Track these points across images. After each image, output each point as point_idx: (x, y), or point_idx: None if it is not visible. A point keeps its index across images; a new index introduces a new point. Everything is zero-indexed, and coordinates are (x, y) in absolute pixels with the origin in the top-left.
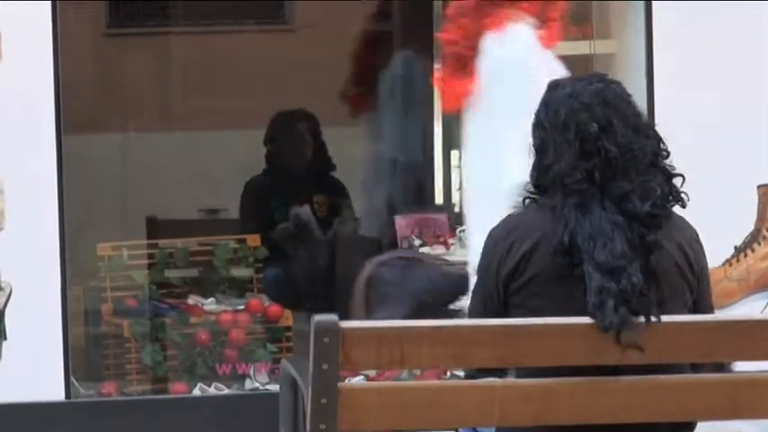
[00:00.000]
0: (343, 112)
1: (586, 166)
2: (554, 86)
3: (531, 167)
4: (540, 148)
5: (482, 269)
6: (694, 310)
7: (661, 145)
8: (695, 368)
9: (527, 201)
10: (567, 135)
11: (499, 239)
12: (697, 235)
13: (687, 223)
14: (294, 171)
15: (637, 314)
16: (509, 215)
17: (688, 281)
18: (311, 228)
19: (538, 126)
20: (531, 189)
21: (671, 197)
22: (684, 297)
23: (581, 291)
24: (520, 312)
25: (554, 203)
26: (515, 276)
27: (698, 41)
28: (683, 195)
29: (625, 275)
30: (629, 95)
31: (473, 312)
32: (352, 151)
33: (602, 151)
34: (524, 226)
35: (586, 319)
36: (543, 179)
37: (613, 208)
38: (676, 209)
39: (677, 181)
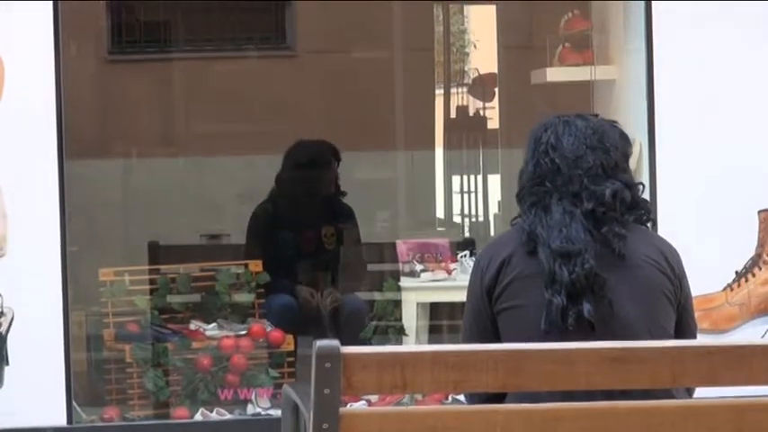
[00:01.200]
0: (344, 136)
1: (539, 174)
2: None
3: None
4: (519, 176)
5: (470, 285)
6: (679, 318)
7: (617, 160)
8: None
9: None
10: (528, 156)
11: (482, 257)
12: (677, 252)
13: (666, 241)
14: (307, 200)
15: (588, 299)
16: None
17: (667, 275)
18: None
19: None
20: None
21: (633, 205)
22: (663, 288)
23: None
24: (507, 316)
25: (523, 207)
26: (498, 281)
27: (699, 67)
28: (647, 206)
29: (579, 260)
30: (601, 124)
31: (465, 329)
32: (355, 175)
33: (549, 163)
34: (502, 241)
35: (589, 344)
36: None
37: (569, 203)
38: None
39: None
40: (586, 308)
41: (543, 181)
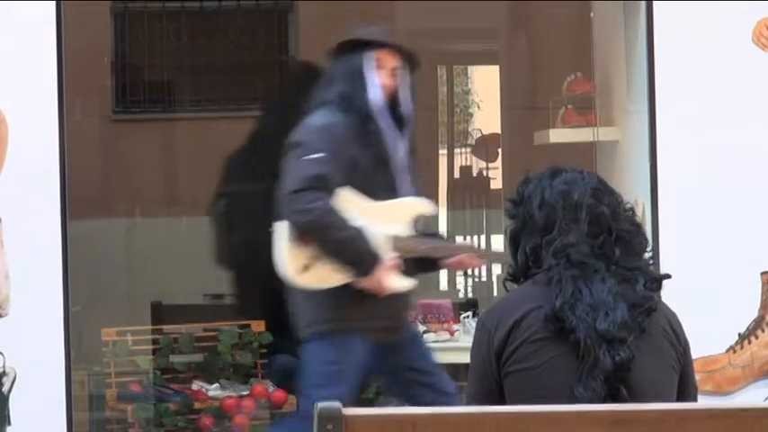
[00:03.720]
0: None
1: (593, 243)
2: (556, 172)
3: (522, 248)
4: (544, 226)
5: (475, 349)
6: (680, 382)
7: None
8: None
9: (508, 283)
10: (578, 214)
11: (487, 319)
12: (678, 318)
13: (668, 306)
14: None
15: (620, 383)
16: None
17: (674, 345)
18: None
19: (543, 206)
20: (515, 273)
21: None
22: (670, 359)
23: (574, 351)
24: (515, 378)
25: (551, 276)
26: (508, 343)
27: (701, 128)
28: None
29: (624, 347)
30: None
31: (471, 394)
32: None
33: (613, 232)
34: (510, 303)
35: (594, 406)
36: (538, 255)
37: (614, 281)
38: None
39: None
40: (623, 392)
41: (598, 249)
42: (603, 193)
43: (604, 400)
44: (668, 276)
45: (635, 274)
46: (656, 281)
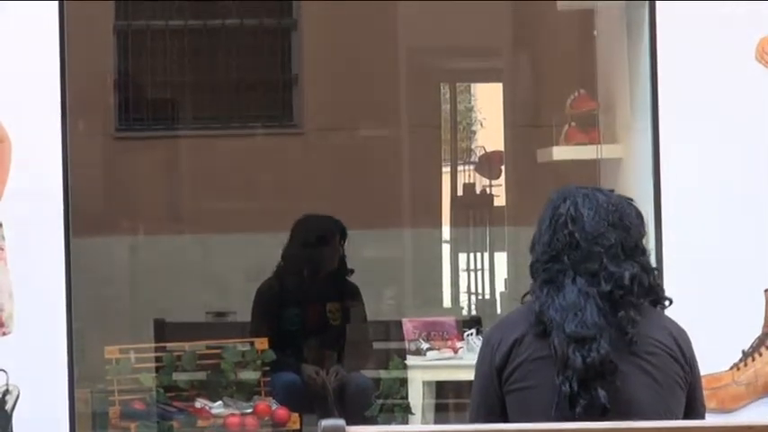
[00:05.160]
0: (351, 214)
1: (555, 248)
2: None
3: None
4: (531, 246)
5: (478, 365)
6: (688, 400)
7: (636, 241)
8: None
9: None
10: (542, 227)
11: (491, 336)
12: (687, 334)
13: (677, 324)
14: (311, 276)
15: (601, 385)
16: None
17: (679, 362)
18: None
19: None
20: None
21: (650, 289)
22: (675, 375)
23: None
24: (516, 396)
25: (533, 288)
26: (509, 360)
27: (706, 146)
28: (662, 291)
29: (593, 346)
30: (620, 201)
31: (473, 410)
32: (361, 253)
33: (567, 237)
34: (513, 321)
35: (596, 424)
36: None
37: (584, 282)
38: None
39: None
40: (602, 394)
41: (559, 256)
42: (573, 201)
43: (572, 403)
44: (632, 282)
45: (596, 282)
46: (619, 286)
